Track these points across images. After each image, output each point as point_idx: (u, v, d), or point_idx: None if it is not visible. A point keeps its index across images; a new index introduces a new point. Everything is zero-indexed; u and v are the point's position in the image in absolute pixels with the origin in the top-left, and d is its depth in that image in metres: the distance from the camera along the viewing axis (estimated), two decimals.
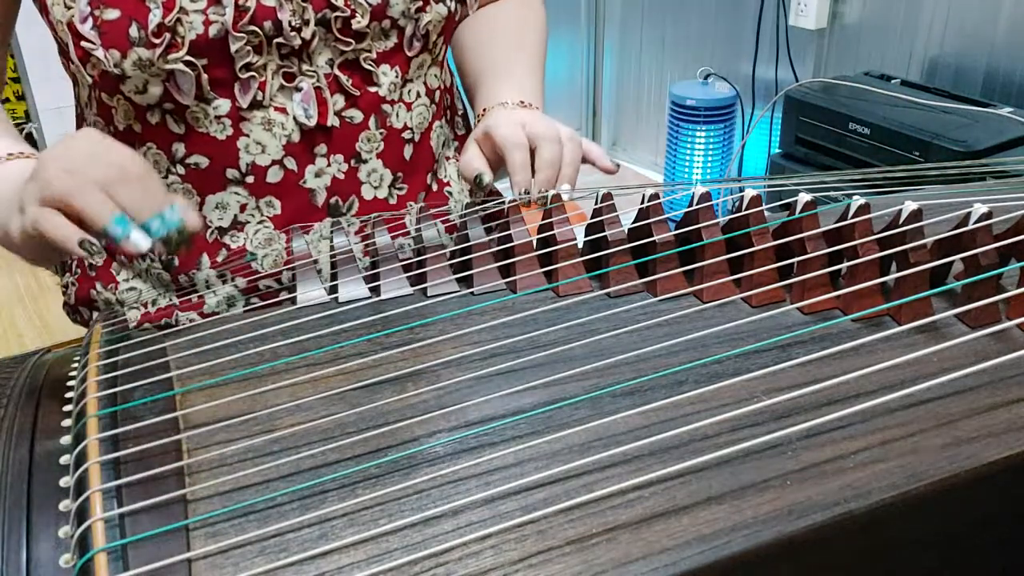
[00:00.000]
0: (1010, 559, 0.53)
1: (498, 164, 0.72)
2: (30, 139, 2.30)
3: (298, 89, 0.69)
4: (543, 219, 0.64)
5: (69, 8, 0.63)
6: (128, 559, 0.39)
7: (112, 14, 0.62)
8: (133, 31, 0.62)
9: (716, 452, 0.44)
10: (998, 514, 0.51)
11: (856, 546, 0.45)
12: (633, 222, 0.63)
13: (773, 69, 2.32)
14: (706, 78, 2.45)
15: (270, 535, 0.41)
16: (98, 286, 0.76)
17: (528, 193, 0.67)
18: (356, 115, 0.72)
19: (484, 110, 0.77)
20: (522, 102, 0.76)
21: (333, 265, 0.65)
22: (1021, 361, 0.51)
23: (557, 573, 0.39)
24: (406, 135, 0.75)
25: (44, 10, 0.65)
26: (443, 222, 0.77)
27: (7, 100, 2.30)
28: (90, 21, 0.62)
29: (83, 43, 0.63)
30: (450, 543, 0.40)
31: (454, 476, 0.44)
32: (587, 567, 0.39)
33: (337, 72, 0.70)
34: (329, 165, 0.72)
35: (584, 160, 0.72)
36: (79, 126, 0.76)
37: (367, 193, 0.74)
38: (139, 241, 0.53)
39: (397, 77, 0.73)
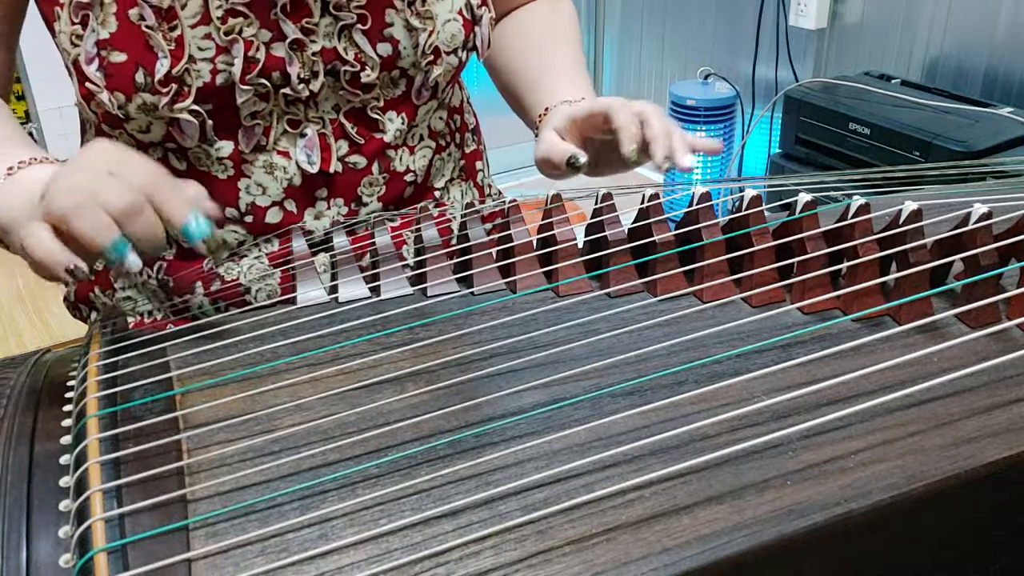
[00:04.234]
0: (1010, 558, 0.53)
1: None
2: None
3: (302, 135, 0.68)
4: (543, 219, 0.64)
5: (76, 46, 0.61)
6: (128, 559, 0.39)
7: (119, 57, 0.61)
8: (139, 77, 0.61)
9: (716, 452, 0.44)
10: (998, 514, 0.51)
11: (856, 546, 0.45)
12: (633, 222, 0.63)
13: (773, 69, 2.32)
14: (706, 78, 2.45)
15: (270, 535, 0.41)
16: (96, 290, 0.76)
17: (637, 150, 0.64)
18: (360, 161, 0.70)
19: (547, 109, 0.76)
20: (583, 99, 0.75)
21: (333, 265, 0.65)
22: (1021, 361, 0.51)
23: (557, 573, 0.39)
24: (408, 177, 0.74)
25: (51, 31, 0.65)
26: (442, 232, 0.76)
27: None
28: (96, 62, 0.61)
29: (88, 84, 0.61)
30: (450, 543, 0.40)
31: (454, 476, 0.44)
32: (587, 567, 0.39)
33: (343, 120, 0.69)
34: (329, 208, 0.71)
35: None
36: (83, 129, 0.76)
37: (360, 228, 0.73)
38: (132, 263, 0.51)
39: (403, 124, 0.71)
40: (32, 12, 0.68)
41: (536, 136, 0.75)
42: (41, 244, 0.50)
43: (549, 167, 0.71)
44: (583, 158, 0.68)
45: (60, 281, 0.52)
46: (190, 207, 0.52)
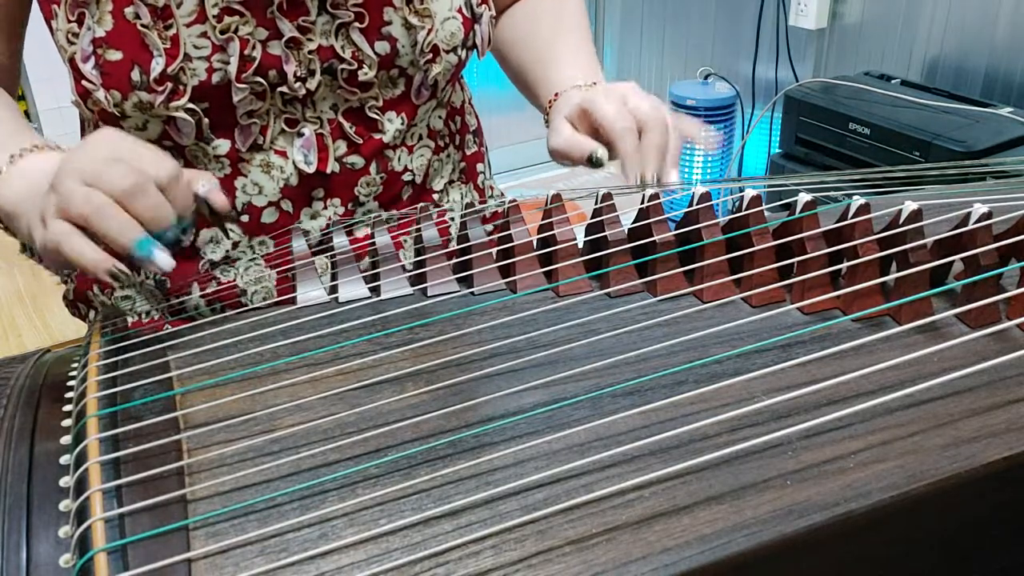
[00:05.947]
0: (1011, 558, 0.53)
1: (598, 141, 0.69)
2: None
3: (300, 135, 0.67)
4: (543, 219, 0.64)
5: (72, 43, 0.62)
6: (128, 559, 0.39)
7: (115, 55, 0.61)
8: (135, 75, 0.61)
9: (716, 452, 0.44)
10: (998, 514, 0.51)
11: (856, 546, 0.45)
12: (633, 222, 0.63)
13: (773, 69, 2.32)
14: (706, 78, 2.45)
15: (270, 535, 0.41)
16: (95, 288, 0.76)
17: (643, 178, 0.65)
18: (358, 161, 0.70)
19: (557, 95, 0.75)
20: (594, 83, 0.74)
21: (333, 265, 0.65)
22: (1021, 361, 0.51)
23: (557, 573, 0.39)
24: (406, 177, 0.74)
25: (50, 28, 0.65)
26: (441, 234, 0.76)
27: None
28: (92, 60, 0.61)
29: (84, 82, 0.62)
30: (450, 543, 0.40)
31: (454, 476, 0.44)
32: (587, 567, 0.39)
33: (341, 119, 0.68)
34: (325, 208, 0.71)
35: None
36: (82, 128, 0.76)
37: (359, 231, 0.73)
38: (163, 262, 0.53)
39: (403, 124, 0.71)
40: (34, 13, 0.68)
41: (546, 123, 0.75)
42: (83, 253, 0.52)
43: (565, 159, 0.71)
44: (603, 154, 0.67)
45: (68, 279, 0.53)
46: (191, 207, 0.53)
